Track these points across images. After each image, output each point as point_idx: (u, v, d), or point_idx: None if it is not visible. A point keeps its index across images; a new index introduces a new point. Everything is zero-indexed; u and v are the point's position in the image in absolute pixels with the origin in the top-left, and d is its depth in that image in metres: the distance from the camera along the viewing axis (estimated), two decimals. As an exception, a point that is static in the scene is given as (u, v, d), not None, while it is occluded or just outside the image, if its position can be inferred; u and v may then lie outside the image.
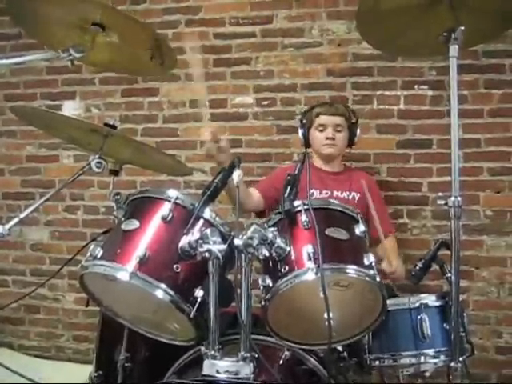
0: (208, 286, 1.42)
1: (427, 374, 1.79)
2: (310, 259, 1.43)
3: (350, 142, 2.48)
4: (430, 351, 1.71)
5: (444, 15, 1.59)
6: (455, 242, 1.57)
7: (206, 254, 1.40)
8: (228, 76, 3.01)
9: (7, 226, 1.55)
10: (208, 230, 1.44)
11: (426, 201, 2.81)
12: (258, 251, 1.42)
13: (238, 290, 1.43)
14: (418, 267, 1.79)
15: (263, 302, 1.48)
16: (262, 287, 1.49)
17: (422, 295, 1.79)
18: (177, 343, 1.62)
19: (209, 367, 1.41)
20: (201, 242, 1.42)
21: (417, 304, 1.75)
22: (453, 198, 1.56)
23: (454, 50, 1.57)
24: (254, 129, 2.99)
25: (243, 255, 1.42)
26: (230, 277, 1.49)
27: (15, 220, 1.58)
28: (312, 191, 2.27)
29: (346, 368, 1.81)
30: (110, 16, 1.58)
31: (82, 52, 1.61)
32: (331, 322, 1.39)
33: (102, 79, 3.14)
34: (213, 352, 1.42)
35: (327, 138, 2.39)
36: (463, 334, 1.66)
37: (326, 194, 2.37)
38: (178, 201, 1.55)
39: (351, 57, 2.89)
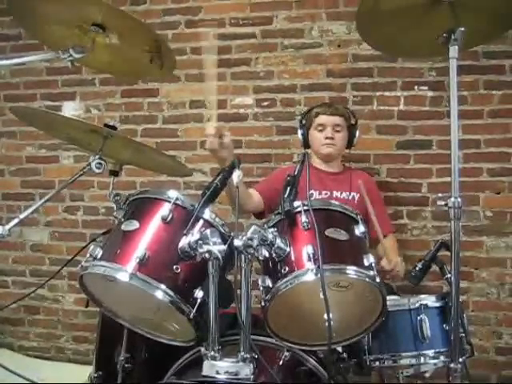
0: (208, 287, 1.42)
1: (427, 375, 1.79)
2: (309, 260, 1.43)
3: (349, 144, 2.48)
4: (430, 352, 1.72)
5: (444, 16, 1.59)
6: (455, 243, 1.57)
7: (206, 255, 1.40)
8: (228, 77, 3.01)
9: (7, 227, 1.55)
10: (208, 231, 1.44)
11: (425, 201, 2.81)
12: (257, 252, 1.42)
13: (238, 291, 1.43)
14: (417, 268, 1.79)
15: (263, 303, 1.48)
16: (261, 288, 1.49)
17: (422, 296, 1.79)
18: (176, 344, 1.62)
19: (208, 368, 1.41)
20: (200, 242, 1.42)
21: (417, 305, 1.75)
22: (453, 199, 1.55)
23: (453, 50, 1.57)
24: (253, 129, 3.00)
25: (243, 256, 1.42)
26: (230, 277, 1.49)
27: (15, 221, 1.58)
28: (311, 192, 2.27)
29: (346, 369, 1.81)
30: (110, 16, 1.58)
31: (82, 53, 1.61)
32: (331, 322, 1.39)
33: (102, 80, 3.14)
34: (212, 353, 1.42)
35: (326, 138, 2.40)
36: (463, 335, 1.66)
37: (326, 194, 2.37)
38: (177, 201, 1.55)
39: (351, 58, 2.89)
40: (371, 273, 1.47)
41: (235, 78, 3.00)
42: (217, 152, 1.93)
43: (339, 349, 1.74)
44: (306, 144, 2.50)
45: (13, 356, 3.21)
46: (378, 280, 1.47)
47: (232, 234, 1.51)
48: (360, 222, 1.60)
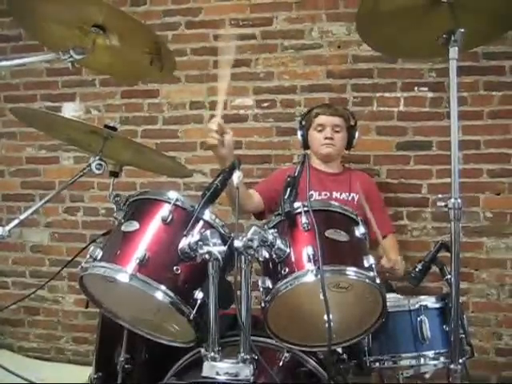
0: (208, 288, 1.42)
1: (427, 376, 1.79)
2: (309, 261, 1.43)
3: (349, 145, 2.48)
4: (430, 353, 1.72)
5: (444, 17, 1.59)
6: (455, 244, 1.57)
7: (206, 256, 1.40)
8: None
9: (7, 228, 1.55)
10: (208, 232, 1.44)
11: (425, 202, 2.81)
12: (257, 253, 1.42)
13: (238, 292, 1.43)
14: (417, 269, 1.79)
15: (263, 304, 1.48)
16: (261, 289, 1.49)
17: (422, 297, 1.79)
18: (176, 345, 1.62)
19: (208, 369, 1.40)
20: (201, 243, 1.42)
21: (417, 306, 1.75)
22: (452, 200, 1.55)
23: (453, 51, 1.57)
24: (253, 130, 3.00)
25: (243, 257, 1.42)
26: (230, 278, 1.49)
27: (15, 222, 1.58)
28: (311, 193, 2.27)
29: (346, 370, 1.81)
30: (111, 17, 1.58)
31: (82, 54, 1.61)
32: (331, 323, 1.39)
33: (102, 81, 3.15)
34: (212, 354, 1.41)
35: (326, 138, 2.40)
36: (463, 336, 1.67)
37: (325, 195, 2.37)
38: (177, 202, 1.55)
39: (351, 59, 2.90)
40: (371, 274, 1.47)
41: (235, 78, 2.99)
42: (216, 149, 1.92)
43: (339, 350, 1.74)
44: (306, 145, 2.50)
45: (13, 357, 3.21)
46: (378, 281, 1.47)
47: (232, 234, 1.51)
48: (360, 223, 1.59)
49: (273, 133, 2.98)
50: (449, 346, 1.66)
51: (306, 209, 1.52)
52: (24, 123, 2.04)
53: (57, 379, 2.73)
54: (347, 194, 2.40)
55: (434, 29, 1.59)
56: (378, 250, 2.12)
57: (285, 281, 1.45)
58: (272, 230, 1.50)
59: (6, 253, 3.27)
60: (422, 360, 1.72)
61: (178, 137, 3.08)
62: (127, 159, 1.85)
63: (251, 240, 1.41)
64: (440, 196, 2.69)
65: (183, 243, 1.46)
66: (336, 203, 1.65)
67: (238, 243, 1.41)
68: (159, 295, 1.43)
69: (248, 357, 1.41)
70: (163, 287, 1.43)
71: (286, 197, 1.53)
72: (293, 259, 1.49)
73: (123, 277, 1.42)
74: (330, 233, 1.51)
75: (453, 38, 1.56)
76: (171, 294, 1.43)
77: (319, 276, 1.39)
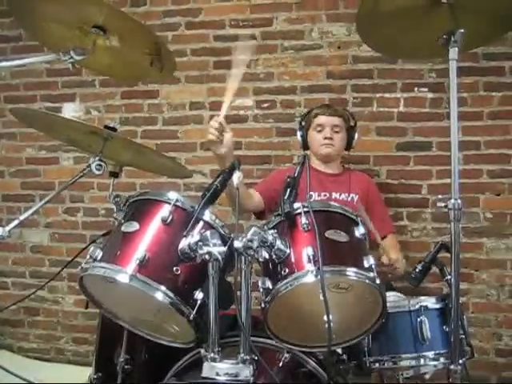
0: (208, 288, 1.42)
1: (427, 377, 1.79)
2: (309, 261, 1.43)
3: (348, 146, 2.48)
4: (430, 354, 1.72)
5: (444, 17, 1.59)
6: (455, 245, 1.57)
7: (206, 256, 1.40)
8: (228, 78, 3.00)
9: (7, 228, 1.55)
10: (208, 232, 1.44)
11: (425, 203, 2.81)
12: (257, 253, 1.42)
13: (238, 293, 1.43)
14: (417, 269, 1.79)
15: (263, 305, 1.48)
16: (261, 289, 1.49)
17: (422, 297, 1.79)
18: (176, 345, 1.62)
19: (208, 369, 1.40)
20: (200, 244, 1.42)
21: (417, 306, 1.75)
22: (452, 201, 1.55)
23: (453, 52, 1.57)
24: (253, 131, 3.00)
25: (243, 257, 1.42)
26: (230, 279, 1.49)
27: (15, 222, 1.58)
28: (310, 193, 2.27)
29: (346, 370, 1.81)
30: (111, 18, 1.58)
31: (82, 54, 1.61)
32: (331, 324, 1.39)
33: (102, 81, 3.14)
34: (212, 354, 1.42)
35: (325, 138, 2.40)
36: (463, 337, 1.67)
37: (325, 195, 2.37)
38: (177, 203, 1.55)
39: (351, 59, 2.90)
40: (371, 274, 1.47)
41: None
42: (215, 147, 1.93)
43: (339, 350, 1.73)
44: (306, 145, 2.50)
45: (12, 357, 3.21)
46: (377, 281, 1.47)
47: (232, 235, 1.51)
48: (360, 223, 1.60)
49: (273, 133, 2.98)
50: (449, 347, 1.66)
51: (306, 209, 1.52)
52: (24, 124, 2.04)
53: (56, 380, 2.73)
54: (346, 194, 2.40)
55: (434, 29, 1.59)
56: (379, 250, 2.12)
57: (285, 281, 1.45)
58: (272, 231, 1.50)
59: (6, 253, 3.27)
60: (422, 361, 1.72)
61: (177, 137, 3.08)
62: (127, 160, 1.85)
63: (251, 240, 1.41)
64: (440, 196, 2.69)
65: (183, 244, 1.46)
66: (336, 204, 1.65)
67: (237, 244, 1.41)
68: (159, 296, 1.43)
69: (248, 357, 1.41)
70: (163, 288, 1.43)
71: (285, 197, 1.53)
72: (293, 260, 1.49)
73: (123, 277, 1.42)
74: (329, 233, 1.51)
75: (453, 39, 1.56)
76: (171, 295, 1.43)
77: (319, 276, 1.39)
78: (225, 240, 1.47)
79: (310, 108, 2.56)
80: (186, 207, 1.56)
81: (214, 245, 1.41)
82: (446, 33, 1.58)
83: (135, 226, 1.54)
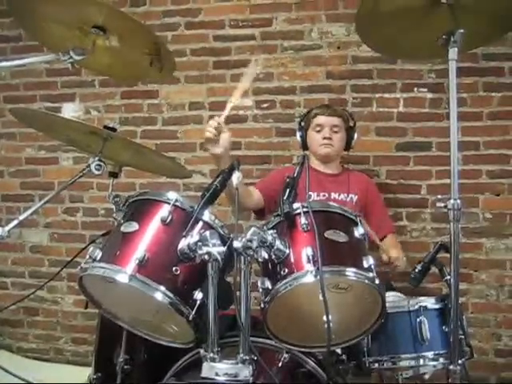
0: (207, 289, 1.42)
1: (426, 377, 1.80)
2: (309, 262, 1.43)
3: (348, 146, 2.48)
4: (429, 354, 1.72)
5: (443, 18, 1.59)
6: (454, 245, 1.57)
7: (206, 257, 1.40)
8: (227, 78, 3.01)
9: (6, 228, 1.55)
10: (207, 233, 1.44)
11: (425, 203, 2.81)
12: (257, 253, 1.42)
13: (237, 293, 1.43)
14: (417, 270, 1.79)
15: (262, 305, 1.48)
16: (261, 290, 1.49)
17: (422, 298, 1.79)
18: (176, 345, 1.62)
19: (208, 370, 1.40)
20: (200, 244, 1.42)
21: (416, 306, 1.75)
22: (452, 201, 1.55)
23: (453, 52, 1.57)
24: (253, 131, 3.00)
25: (242, 257, 1.42)
26: (230, 279, 1.49)
27: (14, 222, 1.58)
28: (309, 193, 2.27)
29: (345, 371, 1.81)
30: (111, 18, 1.58)
31: (82, 54, 1.61)
32: (330, 324, 1.39)
33: (102, 81, 3.14)
34: (212, 354, 1.42)
35: (324, 138, 2.40)
36: (462, 337, 1.67)
37: (324, 196, 2.37)
38: (177, 203, 1.55)
39: (351, 59, 2.90)
40: (370, 275, 1.47)
41: (235, 79, 2.99)
42: (212, 146, 1.93)
43: (338, 351, 1.73)
44: (305, 145, 2.50)
45: (12, 357, 3.20)
46: (377, 282, 1.47)
47: (231, 235, 1.51)
48: (359, 223, 1.59)
49: (272, 133, 2.98)
50: (448, 347, 1.66)
51: (305, 209, 1.52)
52: (23, 124, 2.03)
53: (56, 380, 2.72)
54: (345, 194, 2.40)
55: (434, 30, 1.59)
56: (379, 251, 2.13)
57: (284, 281, 1.45)
58: (271, 231, 1.50)
59: (6, 253, 3.27)
60: (422, 361, 1.72)
61: (177, 137, 3.08)
62: (127, 160, 1.85)
63: (250, 241, 1.41)
64: (439, 197, 2.69)
65: (183, 244, 1.46)
66: (335, 204, 1.65)
67: (237, 244, 1.41)
68: (158, 296, 1.43)
69: (247, 357, 1.41)
70: (162, 288, 1.43)
71: (285, 197, 1.53)
72: (292, 260, 1.49)
73: (123, 277, 1.42)
74: (329, 233, 1.51)
75: (452, 39, 1.56)
76: (170, 295, 1.43)
77: (318, 277, 1.39)
78: (224, 240, 1.47)
79: (309, 108, 2.56)
80: (185, 207, 1.56)
81: (214, 245, 1.41)
82: (446, 33, 1.58)
83: (135, 226, 1.54)
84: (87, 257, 1.52)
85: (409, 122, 2.83)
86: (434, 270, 1.78)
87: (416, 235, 2.83)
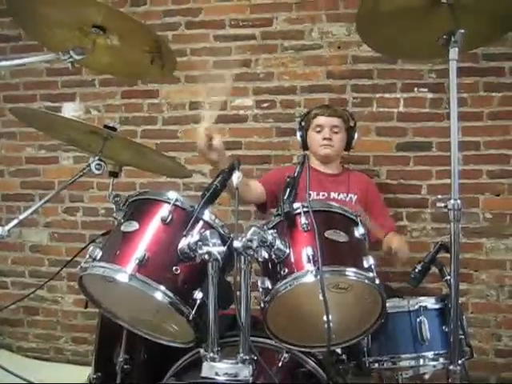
0: (207, 288, 1.42)
1: (426, 377, 1.80)
2: (309, 261, 1.43)
3: (348, 146, 2.49)
4: (429, 354, 1.72)
5: (444, 18, 1.59)
6: (454, 245, 1.56)
7: (206, 256, 1.40)
8: (228, 78, 3.01)
9: (6, 228, 1.55)
10: (207, 232, 1.44)
11: (425, 203, 2.81)
12: (257, 253, 1.42)
13: (238, 292, 1.43)
14: (417, 270, 1.79)
15: (262, 304, 1.48)
16: (261, 289, 1.49)
17: (422, 298, 1.79)
18: (176, 345, 1.62)
19: (208, 369, 1.40)
20: (200, 243, 1.42)
21: (416, 306, 1.75)
22: (452, 201, 1.55)
23: (453, 52, 1.57)
24: (253, 131, 3.00)
25: (242, 257, 1.42)
26: (230, 279, 1.49)
27: (14, 221, 1.58)
28: (309, 192, 2.27)
29: (345, 370, 1.81)
30: (110, 18, 1.58)
31: (82, 54, 1.61)
32: (330, 324, 1.39)
33: (102, 81, 3.14)
34: (212, 354, 1.42)
35: (324, 139, 2.40)
36: (462, 337, 1.67)
37: (323, 195, 2.37)
38: (177, 203, 1.55)
39: (351, 59, 2.90)
40: (370, 274, 1.47)
41: (235, 79, 3.00)
42: (206, 154, 1.90)
43: (338, 350, 1.74)
44: (305, 145, 2.50)
45: (12, 357, 3.21)
46: (377, 282, 1.47)
47: (232, 235, 1.51)
48: (359, 223, 1.59)
49: (272, 133, 2.98)
50: (448, 347, 1.66)
51: (305, 209, 1.52)
52: (24, 123, 2.04)
53: (56, 379, 2.73)
54: (345, 194, 2.40)
55: (434, 30, 1.59)
56: (382, 245, 2.13)
57: (284, 281, 1.45)
58: (271, 231, 1.50)
59: (6, 253, 3.27)
60: (422, 361, 1.72)
61: (177, 137, 3.08)
62: (127, 159, 1.85)
63: (251, 240, 1.41)
64: (440, 197, 2.69)
65: (183, 243, 1.46)
66: (336, 204, 1.65)
67: (237, 243, 1.41)
68: (158, 295, 1.43)
69: (247, 357, 1.41)
70: (162, 287, 1.43)
71: (285, 197, 1.53)
72: (292, 260, 1.49)
73: (122, 277, 1.42)
74: (329, 233, 1.51)
75: (453, 39, 1.56)
76: (170, 295, 1.43)
77: (319, 277, 1.39)
78: (224, 240, 1.47)
79: (309, 108, 2.57)
80: (185, 207, 1.56)
81: (214, 244, 1.41)
82: (446, 33, 1.57)
83: (135, 225, 1.54)
84: (87, 256, 1.52)
85: (409, 121, 2.83)
86: (434, 269, 1.78)
87: (416, 235, 2.83)
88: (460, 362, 1.58)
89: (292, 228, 1.53)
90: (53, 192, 1.71)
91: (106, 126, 1.62)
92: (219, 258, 1.39)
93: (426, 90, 2.82)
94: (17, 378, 1.82)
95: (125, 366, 1.89)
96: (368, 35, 1.83)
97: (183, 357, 1.69)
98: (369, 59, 2.84)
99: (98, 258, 1.51)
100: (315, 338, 1.57)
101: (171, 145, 3.06)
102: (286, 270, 1.47)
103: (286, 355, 1.65)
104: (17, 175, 3.28)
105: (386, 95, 2.86)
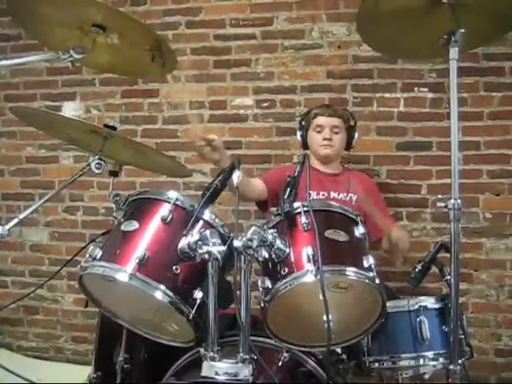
0: (207, 288, 1.42)
1: (426, 377, 1.80)
2: (309, 261, 1.43)
3: (348, 145, 2.49)
4: (429, 354, 1.72)
5: (444, 17, 1.59)
6: (455, 245, 1.56)
7: (206, 256, 1.40)
8: (228, 77, 3.01)
9: (7, 227, 1.55)
10: (207, 232, 1.44)
11: (425, 203, 2.81)
12: (257, 253, 1.42)
13: (238, 292, 1.43)
14: (417, 269, 1.79)
15: (262, 304, 1.48)
16: (261, 289, 1.49)
17: (422, 297, 1.79)
18: (176, 344, 1.62)
19: (208, 369, 1.40)
20: (200, 243, 1.42)
21: (416, 306, 1.75)
22: (452, 201, 1.55)
23: (454, 52, 1.57)
24: (253, 130, 3.00)
25: (243, 257, 1.42)
26: (230, 278, 1.49)
27: (15, 221, 1.58)
28: (309, 192, 2.27)
29: (345, 370, 1.81)
30: (110, 17, 1.58)
31: (82, 53, 1.61)
32: (330, 324, 1.39)
33: (102, 80, 3.14)
34: (212, 353, 1.42)
35: (324, 139, 2.40)
36: (462, 337, 1.67)
37: (323, 195, 2.37)
38: (177, 202, 1.55)
39: (351, 59, 2.89)
40: (371, 274, 1.47)
41: (235, 78, 3.00)
42: (206, 155, 1.93)
43: (338, 350, 1.74)
44: (305, 145, 2.50)
45: (12, 356, 3.21)
46: (377, 281, 1.47)
47: (232, 234, 1.51)
48: (360, 223, 1.59)
49: (273, 133, 2.98)
50: (448, 347, 1.66)
51: (306, 209, 1.52)
52: (24, 122, 2.04)
53: (56, 379, 2.72)
54: (345, 194, 2.40)
55: (435, 29, 1.59)
56: (383, 238, 2.13)
57: (284, 281, 1.45)
58: (272, 230, 1.50)
59: (6, 252, 3.27)
60: (422, 361, 1.72)
61: (177, 136, 3.08)
62: (127, 159, 1.85)
63: (251, 240, 1.41)
64: (440, 197, 2.65)
65: (183, 243, 1.46)
66: (336, 203, 1.65)
67: (237, 243, 1.41)
68: (158, 295, 1.43)
69: (247, 357, 1.41)
70: (162, 287, 1.43)
71: (285, 197, 1.53)
72: (292, 259, 1.49)
73: (123, 276, 1.42)
74: (329, 233, 1.51)
75: (453, 39, 1.56)
76: (170, 294, 1.43)
77: (319, 276, 1.39)
78: (224, 239, 1.47)
79: (309, 107, 2.56)
80: (185, 206, 1.56)
81: (214, 244, 1.41)
82: (447, 33, 1.58)
83: (135, 224, 1.54)
84: (87, 256, 1.52)
85: (409, 121, 2.83)
86: (434, 269, 1.78)
87: (416, 235, 2.82)
88: (460, 361, 1.58)
89: (292, 227, 1.53)
90: (53, 191, 1.71)
91: (106, 126, 1.62)
92: (219, 257, 1.40)
93: (426, 89, 2.82)
94: (17, 377, 1.82)
95: (125, 366, 1.89)
96: (368, 35, 1.83)
97: (183, 356, 1.69)
98: (369, 59, 2.83)
99: (98, 257, 1.51)
100: (315, 338, 1.57)
101: (171, 144, 3.06)
102: (286, 270, 1.47)
103: (285, 355, 1.65)
104: (17, 174, 3.28)
105: (387, 95, 2.86)
